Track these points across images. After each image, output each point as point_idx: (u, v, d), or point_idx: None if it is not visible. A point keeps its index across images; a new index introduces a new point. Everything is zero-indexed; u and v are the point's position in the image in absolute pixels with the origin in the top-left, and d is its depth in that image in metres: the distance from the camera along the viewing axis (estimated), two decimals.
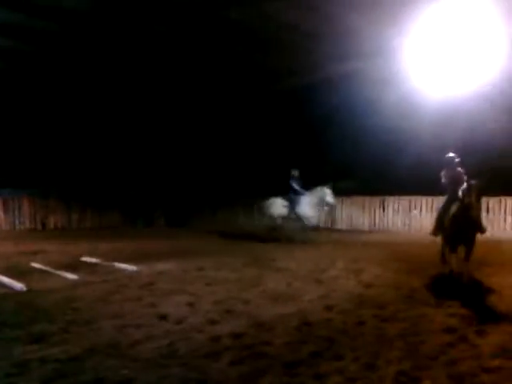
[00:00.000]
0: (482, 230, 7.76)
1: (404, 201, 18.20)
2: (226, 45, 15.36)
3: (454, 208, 7.73)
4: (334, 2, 12.27)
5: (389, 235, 16.57)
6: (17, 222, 20.23)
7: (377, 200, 18.75)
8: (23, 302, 6.79)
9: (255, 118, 21.47)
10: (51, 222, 21.14)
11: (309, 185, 14.65)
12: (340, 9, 12.51)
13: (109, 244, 14.42)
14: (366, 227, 18.65)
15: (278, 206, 14.90)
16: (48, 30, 13.81)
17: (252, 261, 10.63)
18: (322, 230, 15.11)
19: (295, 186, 14.61)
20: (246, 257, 11.22)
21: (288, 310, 6.26)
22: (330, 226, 18.94)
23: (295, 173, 14.75)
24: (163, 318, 5.95)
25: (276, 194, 15.34)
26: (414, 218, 17.90)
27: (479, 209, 7.60)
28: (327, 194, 14.35)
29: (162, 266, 10.03)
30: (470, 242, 7.55)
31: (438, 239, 8.74)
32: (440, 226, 8.41)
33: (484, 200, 8.37)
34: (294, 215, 14.73)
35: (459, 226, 7.52)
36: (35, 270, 9.74)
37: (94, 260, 10.88)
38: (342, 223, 19.10)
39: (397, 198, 18.32)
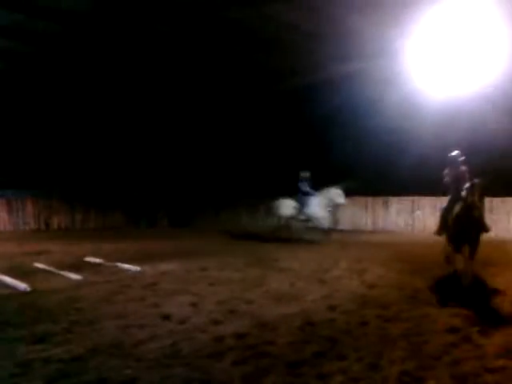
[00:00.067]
0: (486, 229, 7.69)
1: (407, 201, 18.19)
2: (228, 45, 15.39)
3: (457, 207, 7.66)
4: (337, 3, 12.29)
5: (392, 235, 16.56)
6: (20, 222, 20.28)
7: (379, 200, 18.75)
8: (27, 302, 6.80)
9: (257, 119, 21.48)
10: (55, 222, 21.19)
11: (318, 186, 14.57)
12: (342, 10, 12.51)
13: (112, 244, 14.44)
14: (368, 227, 18.64)
15: (287, 207, 14.78)
16: (48, 31, 13.84)
17: (255, 261, 10.64)
18: (331, 231, 14.88)
19: (304, 187, 14.50)
20: (249, 257, 11.22)
21: (291, 310, 6.26)
22: (333, 226, 18.90)
23: (305, 174, 14.64)
24: (166, 318, 5.95)
25: (278, 194, 15.31)
26: (416, 218, 17.89)
27: (482, 208, 7.50)
28: (337, 195, 14.26)
29: (165, 266, 10.04)
30: (473, 242, 7.47)
31: (442, 239, 8.69)
32: (444, 226, 8.33)
33: (487, 200, 8.22)
34: (303, 216, 14.65)
35: (463, 226, 7.45)
36: (39, 270, 9.76)
37: (97, 260, 10.89)
38: (344, 224, 19.06)
39: (399, 198, 18.32)
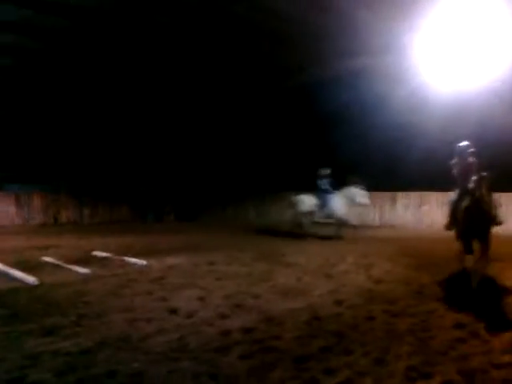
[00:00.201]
0: (498, 222, 7.45)
1: (414, 196, 18.14)
2: (236, 41, 15.34)
3: (465, 201, 7.40)
4: None
5: (399, 231, 16.53)
6: (29, 216, 20.40)
7: (387, 195, 18.69)
8: (35, 296, 6.85)
9: (265, 115, 21.47)
10: (63, 216, 21.30)
11: (340, 184, 14.33)
12: (350, 5, 12.45)
13: (119, 238, 14.51)
14: (376, 223, 18.59)
15: (306, 203, 14.45)
16: (57, 26, 13.86)
17: (262, 256, 10.65)
18: (356, 227, 14.72)
19: (324, 185, 14.24)
20: (255, 252, 11.24)
21: (298, 305, 6.27)
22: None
23: (325, 172, 14.35)
24: (174, 311, 5.98)
25: (286, 189, 15.24)
26: (424, 213, 17.84)
27: (491, 201, 7.26)
28: (360, 195, 14.04)
29: (172, 260, 10.08)
30: (484, 236, 7.21)
31: (448, 234, 8.59)
32: (453, 221, 8.04)
33: (496, 195, 8.00)
34: (323, 214, 14.42)
35: (472, 220, 7.21)
36: (47, 264, 9.82)
37: (104, 254, 10.94)
38: (351, 219, 19.03)
39: (407, 193, 18.28)
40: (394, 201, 18.67)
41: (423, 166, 15.86)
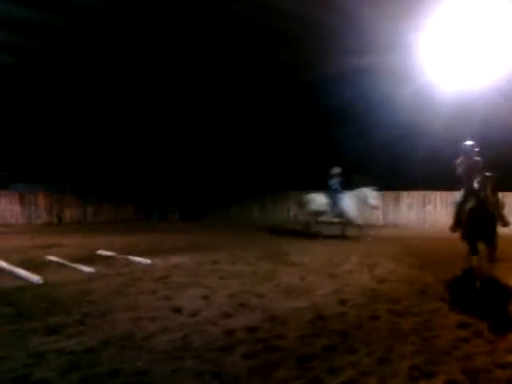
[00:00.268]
0: (505, 223, 7.38)
1: (418, 195, 18.11)
2: (240, 40, 15.33)
3: (470, 202, 7.31)
4: None
5: (402, 230, 16.51)
6: (33, 215, 20.46)
7: (391, 195, 18.66)
8: (40, 295, 6.87)
9: (269, 113, 21.45)
10: (67, 215, 21.35)
11: (352, 184, 14.21)
12: (355, 3, 12.43)
13: (124, 237, 14.55)
14: (379, 222, 18.57)
15: (317, 202, 14.29)
16: (60, 25, 13.88)
17: (266, 255, 10.66)
18: (363, 228, 14.37)
19: (334, 185, 14.07)
20: (259, 251, 11.26)
21: (302, 304, 6.27)
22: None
23: (335, 171, 14.14)
24: (178, 310, 5.99)
25: (290, 188, 15.18)
26: (427, 212, 17.82)
27: (497, 202, 7.17)
28: (370, 196, 13.84)
29: (176, 259, 10.10)
30: (489, 237, 7.12)
31: (452, 233, 8.53)
32: (458, 222, 7.95)
33: (500, 194, 7.87)
34: (334, 213, 14.25)
35: (477, 221, 7.11)
36: (51, 262, 9.85)
37: (109, 253, 10.96)
38: (355, 218, 19.01)
39: (411, 192, 18.25)
40: (397, 200, 18.65)
41: (427, 166, 15.84)
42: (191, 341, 4.88)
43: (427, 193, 17.80)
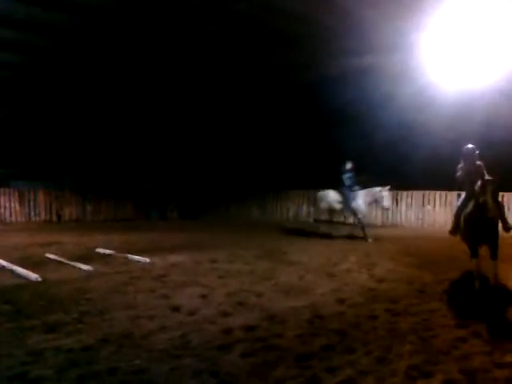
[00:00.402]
0: (506, 228, 7.37)
1: (417, 195, 18.12)
2: (242, 40, 15.31)
3: (470, 206, 7.25)
4: None
5: (402, 230, 16.53)
6: (32, 213, 20.42)
7: (390, 194, 18.64)
8: (38, 292, 6.87)
9: (270, 113, 21.45)
10: (66, 213, 21.31)
11: (364, 182, 13.89)
12: (357, 3, 12.41)
13: (123, 236, 14.53)
14: (378, 221, 18.57)
15: (330, 200, 14.11)
16: (64, 24, 13.87)
17: (264, 254, 10.66)
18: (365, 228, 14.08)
19: (348, 181, 13.79)
20: (258, 250, 11.25)
21: (300, 303, 6.27)
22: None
23: (348, 166, 13.87)
24: (176, 309, 5.99)
25: (289, 188, 15.12)
26: (427, 212, 17.84)
27: (498, 207, 7.08)
28: (384, 197, 13.62)
29: (175, 258, 10.09)
30: (490, 241, 7.05)
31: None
32: (458, 225, 7.88)
33: (501, 195, 7.77)
34: (347, 211, 14.12)
35: (475, 227, 7.06)
36: (50, 260, 9.85)
37: (108, 251, 10.95)
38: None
39: (410, 192, 18.26)
40: (397, 200, 18.63)
41: (427, 165, 15.84)
42: (189, 339, 4.88)
43: (427, 192, 17.82)
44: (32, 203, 20.37)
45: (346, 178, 13.87)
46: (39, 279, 7.75)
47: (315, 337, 4.96)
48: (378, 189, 13.67)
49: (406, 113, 16.20)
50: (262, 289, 7.13)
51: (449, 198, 16.60)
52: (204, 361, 4.32)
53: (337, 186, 14.11)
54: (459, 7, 12.34)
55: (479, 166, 7.69)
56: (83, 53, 16.10)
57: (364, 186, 13.83)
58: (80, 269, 8.82)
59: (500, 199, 7.40)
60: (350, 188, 13.81)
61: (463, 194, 7.90)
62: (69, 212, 21.40)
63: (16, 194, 20.05)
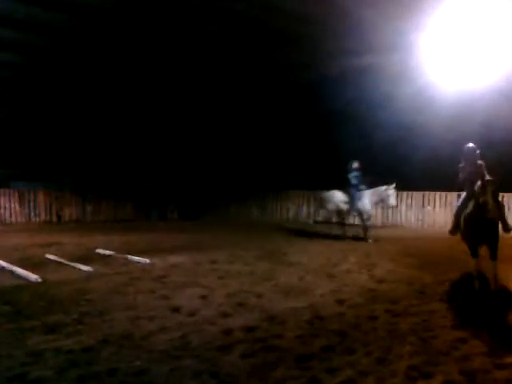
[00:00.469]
0: (507, 229, 7.38)
1: (417, 196, 18.12)
2: (241, 39, 15.31)
3: (470, 207, 7.20)
4: None
5: (402, 230, 16.53)
6: (32, 214, 20.39)
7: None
8: (38, 293, 6.87)
9: (269, 113, 21.44)
10: (66, 214, 21.29)
11: (371, 181, 13.72)
12: (356, 3, 12.41)
13: (123, 236, 14.53)
14: (378, 222, 18.56)
15: (337, 201, 13.92)
16: (64, 24, 13.87)
17: (264, 255, 10.66)
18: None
19: (354, 180, 13.61)
20: (258, 250, 11.25)
21: (300, 304, 6.27)
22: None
23: (354, 164, 13.70)
24: (176, 310, 5.99)
25: (289, 188, 15.06)
26: (427, 213, 17.84)
27: (498, 207, 7.03)
28: (389, 196, 13.45)
29: (175, 258, 10.09)
30: (490, 242, 7.04)
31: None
32: (458, 225, 7.85)
33: (501, 196, 7.72)
34: (353, 211, 13.93)
35: (476, 227, 7.04)
36: (50, 261, 9.85)
37: (108, 252, 10.95)
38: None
39: (410, 193, 18.25)
40: (397, 200, 18.61)
41: (427, 166, 15.83)
42: (189, 340, 4.88)
43: (426, 193, 17.82)
44: (32, 204, 20.35)
45: (353, 177, 13.70)
46: (39, 280, 7.74)
47: (315, 337, 4.96)
48: (383, 187, 13.54)
49: (405, 113, 16.17)
50: (262, 289, 7.13)
51: (449, 198, 16.60)
52: (204, 362, 4.32)
53: (338, 185, 14.04)
54: (459, 7, 12.35)
55: (480, 165, 7.63)
56: (83, 53, 16.10)
57: (370, 186, 13.70)
58: (80, 269, 8.82)
59: (500, 199, 7.36)
60: (357, 187, 13.62)
61: (463, 194, 7.86)
62: (69, 212, 21.38)
63: (16, 194, 20.04)
